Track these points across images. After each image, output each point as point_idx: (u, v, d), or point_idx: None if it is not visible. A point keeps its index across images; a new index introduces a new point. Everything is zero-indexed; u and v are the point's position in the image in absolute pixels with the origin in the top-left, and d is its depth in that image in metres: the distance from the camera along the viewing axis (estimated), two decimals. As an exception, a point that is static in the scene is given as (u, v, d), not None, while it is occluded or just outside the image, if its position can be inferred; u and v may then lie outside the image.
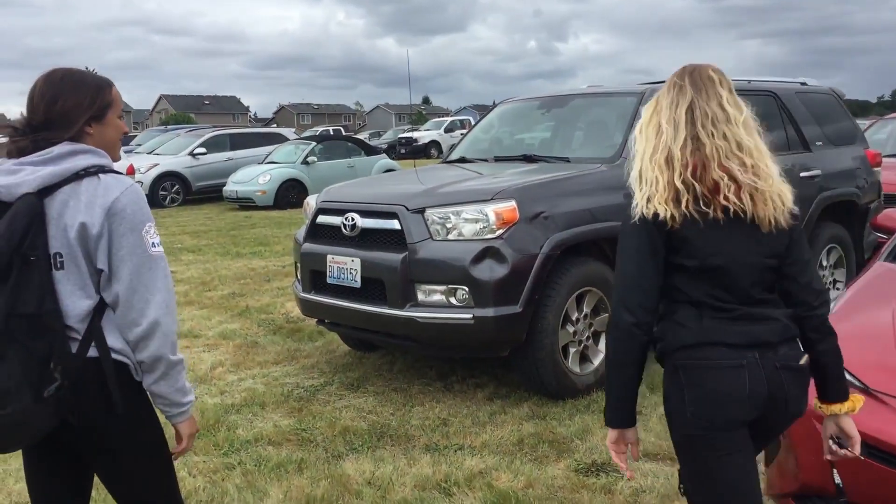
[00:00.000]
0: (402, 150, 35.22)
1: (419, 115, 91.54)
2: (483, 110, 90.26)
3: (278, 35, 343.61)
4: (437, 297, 4.75)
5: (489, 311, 4.64)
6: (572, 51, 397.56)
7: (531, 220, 4.76)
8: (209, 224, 15.48)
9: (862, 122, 10.42)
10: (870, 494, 2.68)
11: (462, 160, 6.42)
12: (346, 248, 5.12)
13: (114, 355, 2.12)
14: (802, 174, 6.52)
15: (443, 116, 58.95)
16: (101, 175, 2.09)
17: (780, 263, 2.24)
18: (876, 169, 7.33)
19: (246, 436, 4.54)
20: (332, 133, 36.65)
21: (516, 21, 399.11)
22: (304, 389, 5.33)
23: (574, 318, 4.99)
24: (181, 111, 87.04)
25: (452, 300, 4.70)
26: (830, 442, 2.38)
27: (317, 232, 5.44)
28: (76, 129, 2.12)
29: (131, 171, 18.02)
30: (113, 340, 2.12)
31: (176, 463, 2.40)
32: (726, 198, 2.13)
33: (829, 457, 2.40)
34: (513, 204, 4.75)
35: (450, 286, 4.70)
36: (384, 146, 30.93)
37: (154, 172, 19.01)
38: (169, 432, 2.32)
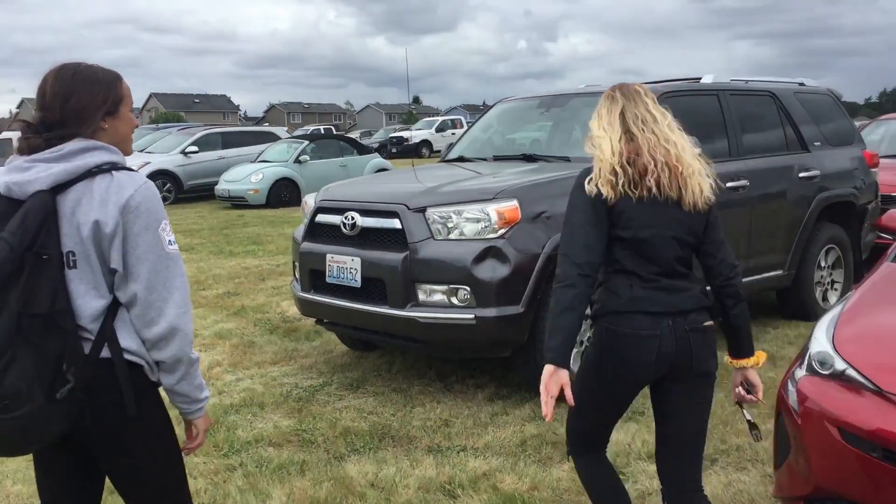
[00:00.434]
0: (394, 150, 35.19)
1: (410, 114, 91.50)
2: (473, 110, 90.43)
3: (269, 34, 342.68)
4: (439, 297, 4.71)
5: (491, 312, 4.61)
6: (562, 51, 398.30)
7: (533, 219, 4.73)
8: (201, 223, 15.39)
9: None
10: (887, 498, 2.66)
11: (461, 159, 6.38)
12: (346, 247, 5.08)
13: (127, 356, 2.08)
14: (801, 174, 6.51)
15: (433, 116, 58.94)
16: (114, 172, 2.05)
17: (699, 242, 2.69)
18: (873, 170, 7.33)
19: (246, 437, 4.49)
20: (323, 132, 36.56)
21: (507, 21, 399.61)
22: (303, 390, 5.29)
23: (576, 319, 4.94)
24: (171, 110, 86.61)
25: (454, 300, 4.67)
26: (739, 389, 2.88)
27: (316, 231, 5.39)
28: (91, 124, 2.07)
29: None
30: (126, 341, 2.08)
31: None
32: (653, 179, 2.57)
33: (737, 401, 2.90)
34: (515, 203, 4.72)
35: (451, 286, 4.67)
36: (375, 145, 30.90)
37: (145, 171, 18.83)
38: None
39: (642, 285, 2.62)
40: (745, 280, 6.12)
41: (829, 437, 2.94)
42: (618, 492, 2.89)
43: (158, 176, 19.01)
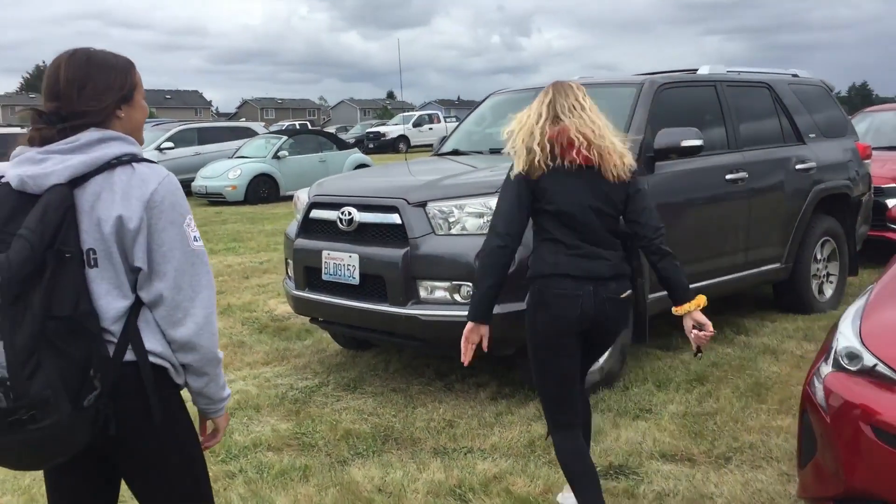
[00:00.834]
0: (371, 145, 34.94)
1: (384, 109, 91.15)
2: (448, 105, 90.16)
3: (240, 29, 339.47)
4: (441, 294, 4.58)
5: (495, 309, 4.46)
6: (535, 46, 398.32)
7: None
8: (179, 220, 15.09)
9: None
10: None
11: (455, 153, 6.24)
12: (343, 243, 4.92)
13: (152, 359, 1.96)
14: (798, 167, 6.45)
15: (408, 111, 58.73)
16: (134, 164, 1.91)
17: (623, 211, 3.12)
18: (866, 161, 7.30)
19: (244, 441, 4.33)
20: (298, 127, 36.24)
21: (480, 16, 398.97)
22: (299, 391, 5.13)
23: (579, 315, 4.84)
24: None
25: (457, 297, 4.53)
26: (694, 332, 3.18)
27: (310, 227, 5.23)
28: (106, 113, 1.93)
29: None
30: (151, 343, 1.96)
31: None
32: (579, 152, 2.99)
33: (693, 338, 3.19)
34: (518, 197, 4.59)
35: (454, 282, 4.53)
36: (352, 141, 30.66)
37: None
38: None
39: (566, 252, 3.07)
40: (743, 273, 6.07)
41: (862, 435, 2.84)
42: (587, 470, 3.18)
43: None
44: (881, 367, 2.91)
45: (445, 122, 38.68)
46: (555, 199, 3.03)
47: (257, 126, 23.54)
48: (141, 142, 2.04)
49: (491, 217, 3.14)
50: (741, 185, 5.91)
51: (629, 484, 3.75)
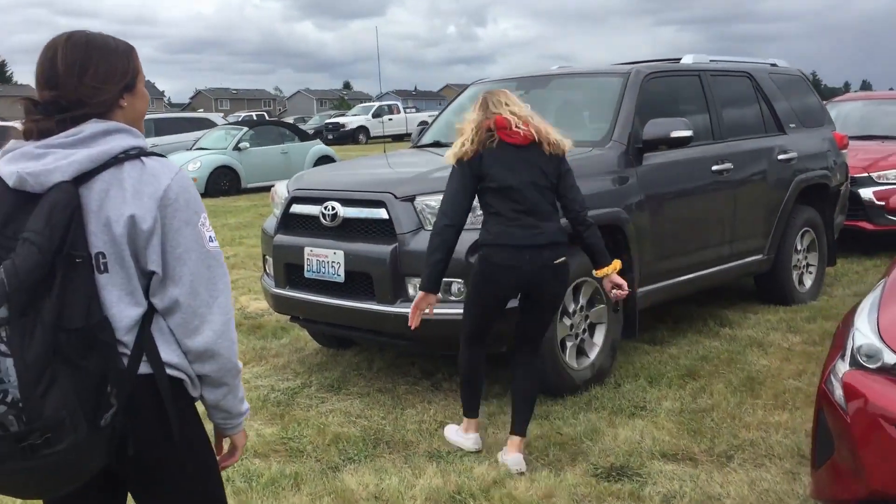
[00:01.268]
0: (330, 136, 34.49)
1: (341, 100, 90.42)
2: (405, 96, 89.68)
3: (192, 18, 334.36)
4: (431, 292, 4.41)
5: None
6: (492, 36, 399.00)
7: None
8: (138, 214, 14.68)
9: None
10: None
11: (437, 144, 6.05)
12: (327, 239, 4.73)
13: (169, 371, 1.79)
14: (780, 157, 6.41)
15: (365, 102, 58.25)
16: (143, 158, 1.72)
17: (554, 186, 3.72)
18: (843, 151, 7.29)
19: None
20: (256, 118, 35.67)
21: (436, 6, 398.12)
22: (281, 393, 4.93)
23: (571, 311, 4.72)
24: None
25: (447, 294, 4.37)
26: (613, 291, 3.88)
27: (291, 222, 5.02)
28: (109, 102, 1.74)
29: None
30: (167, 354, 1.79)
31: None
32: (516, 131, 3.62)
33: (613, 296, 3.92)
34: (509, 190, 4.47)
35: (444, 279, 4.36)
36: (311, 132, 30.24)
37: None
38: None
39: (506, 223, 3.62)
40: (729, 265, 6.01)
41: (886, 436, 2.75)
42: (480, 383, 4.08)
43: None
44: (903, 365, 2.83)
45: (405, 112, 38.40)
46: (497, 178, 3.60)
47: (216, 117, 23.09)
48: (142, 133, 1.86)
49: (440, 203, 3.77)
50: (726, 176, 5.84)
51: (634, 486, 3.63)
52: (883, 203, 8.32)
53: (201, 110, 43.17)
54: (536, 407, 4.55)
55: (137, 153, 1.73)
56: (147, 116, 15.43)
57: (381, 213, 4.53)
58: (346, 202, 4.70)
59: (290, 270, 4.94)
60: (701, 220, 5.71)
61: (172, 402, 1.79)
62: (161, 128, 20.15)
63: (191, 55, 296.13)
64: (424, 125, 7.05)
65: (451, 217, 3.64)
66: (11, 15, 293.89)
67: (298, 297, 4.89)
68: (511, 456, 3.84)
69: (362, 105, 44.53)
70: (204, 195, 16.84)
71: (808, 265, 6.92)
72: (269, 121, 27.43)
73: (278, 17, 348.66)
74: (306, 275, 4.79)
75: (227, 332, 1.84)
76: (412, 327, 3.73)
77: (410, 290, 4.44)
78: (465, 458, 3.97)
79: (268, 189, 17.18)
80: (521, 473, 3.77)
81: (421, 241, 4.41)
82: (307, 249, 4.77)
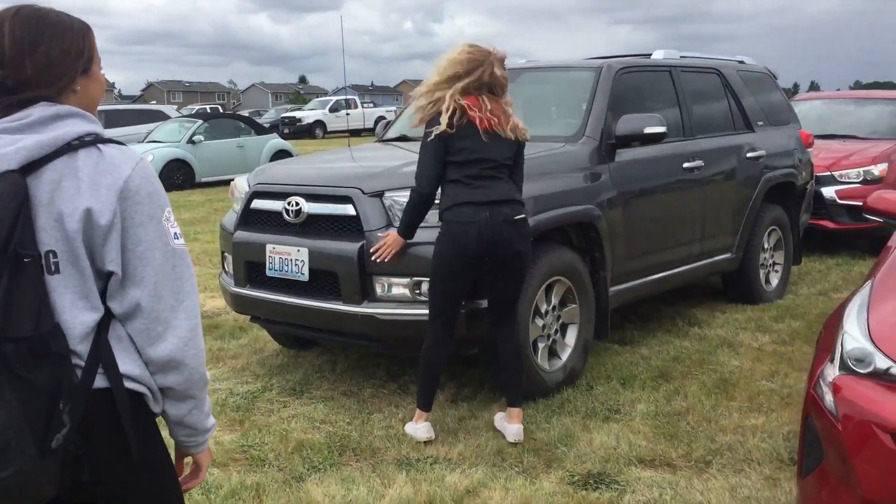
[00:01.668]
0: (286, 130, 33.99)
1: (297, 94, 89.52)
2: (362, 91, 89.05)
3: (143, 8, 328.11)
4: (400, 291, 4.23)
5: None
6: (448, 32, 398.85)
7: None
8: (88, 208, 14.24)
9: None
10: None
11: (403, 139, 5.86)
12: (290, 236, 4.51)
13: (128, 384, 1.59)
14: (748, 155, 6.35)
15: (321, 96, 57.65)
16: (100, 146, 1.52)
17: (511, 164, 3.96)
18: (809, 149, 7.27)
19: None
20: (210, 111, 35.03)
21: (392, 1, 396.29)
22: (241, 397, 4.70)
23: (543, 311, 4.57)
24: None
25: (417, 294, 4.20)
26: None
27: (251, 218, 4.79)
28: (62, 84, 1.55)
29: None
30: (126, 365, 1.60)
31: None
32: (482, 111, 3.86)
33: None
34: (481, 186, 4.31)
35: (414, 279, 4.19)
36: (266, 126, 29.76)
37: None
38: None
39: (465, 186, 3.85)
40: (698, 264, 5.93)
41: (881, 444, 2.65)
42: (438, 376, 4.12)
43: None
44: (896, 370, 2.73)
45: (363, 107, 38.04)
46: (462, 151, 3.83)
47: (169, 109, 22.56)
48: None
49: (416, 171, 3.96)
50: (697, 174, 5.75)
51: (612, 494, 3.50)
52: (852, 203, 8.32)
53: (154, 102, 42.27)
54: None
55: (93, 139, 1.54)
56: (98, 108, 15.08)
57: (348, 209, 4.33)
58: (311, 197, 4.49)
59: (250, 268, 4.71)
60: (672, 217, 5.62)
61: (132, 419, 1.59)
62: (112, 119, 19.57)
63: (143, 46, 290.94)
64: (383, 120, 6.86)
65: (422, 184, 3.91)
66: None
67: (259, 296, 4.67)
68: (514, 426, 4.02)
69: (319, 99, 44.02)
70: (157, 189, 16.44)
71: (774, 264, 6.88)
72: (224, 114, 26.85)
73: (233, 9, 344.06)
74: (268, 273, 4.57)
75: (194, 340, 1.66)
76: (380, 260, 4.07)
77: (378, 290, 4.26)
78: (437, 465, 3.80)
79: (223, 183, 16.83)
80: (516, 444, 3.98)
81: (389, 239, 4.23)
82: (269, 247, 4.55)
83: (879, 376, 2.77)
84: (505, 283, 3.99)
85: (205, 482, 3.60)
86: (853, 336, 2.94)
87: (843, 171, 8.49)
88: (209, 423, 1.82)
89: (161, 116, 20.42)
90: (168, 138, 17.51)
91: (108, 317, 1.60)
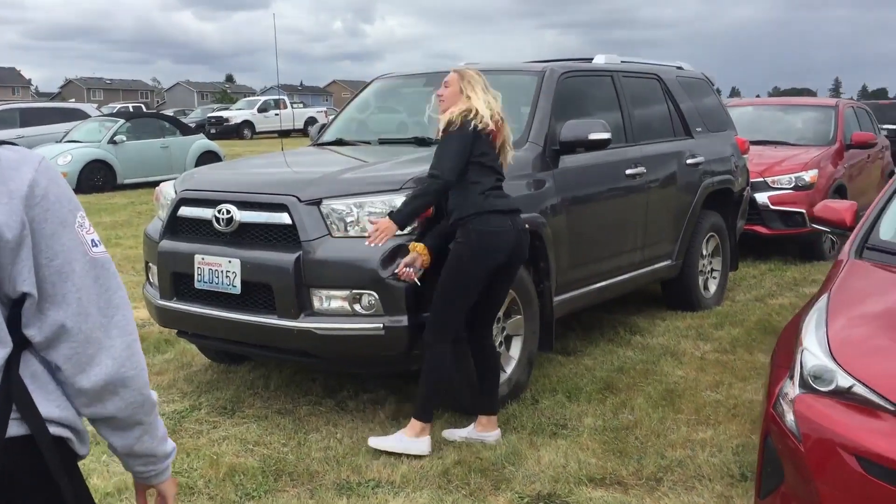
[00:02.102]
0: (213, 130, 33.16)
1: (223, 93, 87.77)
2: (291, 90, 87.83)
3: (61, 3, 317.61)
4: (338, 305, 4.02)
5: (402, 320, 3.97)
6: (379, 33, 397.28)
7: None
8: (1, 211, 13.52)
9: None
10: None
11: (340, 142, 5.63)
12: (221, 246, 4.24)
13: (52, 429, 1.36)
14: (688, 161, 6.32)
15: (248, 96, 56.64)
16: None
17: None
18: (745, 155, 7.30)
19: (105, 486, 3.59)
20: (132, 110, 33.95)
21: (322, 1, 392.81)
22: (167, 417, 4.40)
23: (488, 323, 4.40)
24: (-50, 83, 78.09)
25: (357, 308, 3.99)
26: (405, 269, 3.83)
27: (178, 227, 4.50)
28: None
29: None
30: (46, 406, 1.36)
31: None
32: (502, 128, 3.97)
33: (399, 272, 3.84)
34: (425, 195, 4.13)
35: (354, 291, 3.98)
36: (192, 125, 28.98)
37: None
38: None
39: (490, 193, 3.85)
40: (640, 272, 5.86)
41: (846, 467, 2.56)
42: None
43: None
44: (860, 389, 2.65)
45: (292, 107, 37.43)
46: (485, 156, 3.87)
47: (89, 107, 21.69)
48: None
49: (434, 161, 3.88)
50: (639, 181, 5.68)
51: (565, 517, 3.35)
52: (784, 209, 8.42)
53: (72, 100, 40.79)
54: (451, 427, 4.25)
55: None
56: (12, 105, 14.24)
57: (284, 218, 4.08)
58: (243, 205, 4.23)
59: (177, 280, 4.42)
60: (616, 225, 5.53)
61: (60, 468, 1.36)
62: (27, 118, 18.74)
63: (61, 42, 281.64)
64: (314, 122, 6.62)
65: (449, 178, 3.81)
66: None
67: (187, 309, 4.38)
68: (494, 431, 4.05)
69: (247, 99, 43.14)
70: (76, 191, 15.70)
71: (712, 270, 6.88)
72: (148, 113, 26.06)
73: (156, 6, 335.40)
74: (197, 285, 4.29)
75: (132, 358, 1.44)
76: (370, 244, 3.85)
77: (316, 303, 4.03)
78: (379, 489, 3.60)
79: (146, 185, 16.21)
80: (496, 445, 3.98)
81: (328, 249, 4.01)
82: (198, 257, 4.27)
83: (842, 395, 2.69)
84: (504, 288, 4.09)
85: (128, 515, 3.33)
86: (812, 353, 2.86)
87: (776, 177, 8.58)
88: (167, 447, 1.59)
89: (80, 115, 19.57)
90: (88, 138, 16.79)
91: (17, 351, 1.36)
